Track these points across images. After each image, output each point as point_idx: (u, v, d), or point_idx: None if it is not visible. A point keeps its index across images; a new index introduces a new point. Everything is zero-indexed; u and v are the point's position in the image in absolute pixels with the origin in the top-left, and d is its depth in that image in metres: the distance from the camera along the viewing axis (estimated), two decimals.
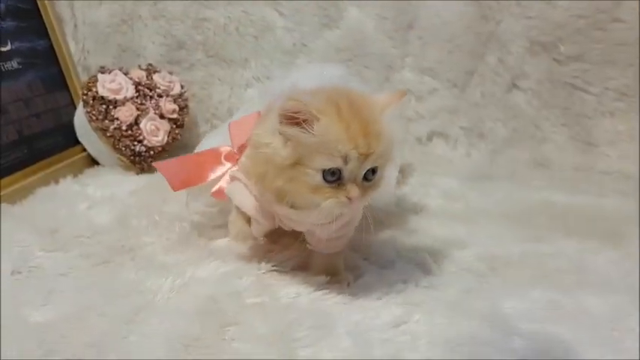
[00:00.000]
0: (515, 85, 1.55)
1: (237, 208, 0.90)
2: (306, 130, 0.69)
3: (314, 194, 0.72)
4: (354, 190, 0.71)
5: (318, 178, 0.71)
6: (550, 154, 1.53)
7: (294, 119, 0.69)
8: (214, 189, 0.95)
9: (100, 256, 0.93)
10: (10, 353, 0.66)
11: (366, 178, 0.73)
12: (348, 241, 0.89)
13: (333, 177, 0.71)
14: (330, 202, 0.71)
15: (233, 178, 0.89)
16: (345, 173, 0.71)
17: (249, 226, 0.90)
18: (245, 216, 0.89)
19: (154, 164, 1.00)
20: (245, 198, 0.85)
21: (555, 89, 1.52)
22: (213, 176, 0.96)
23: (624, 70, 1.49)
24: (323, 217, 0.75)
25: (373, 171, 0.73)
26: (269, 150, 0.73)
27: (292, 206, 0.76)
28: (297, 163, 0.71)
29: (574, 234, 1.10)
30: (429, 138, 1.58)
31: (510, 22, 1.51)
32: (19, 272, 0.87)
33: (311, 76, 1.06)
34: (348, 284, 0.87)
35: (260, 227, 0.87)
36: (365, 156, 0.70)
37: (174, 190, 0.96)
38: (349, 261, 0.94)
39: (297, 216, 0.79)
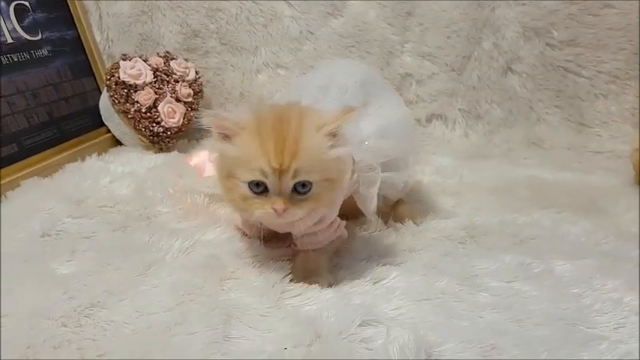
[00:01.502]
0: (510, 69, 1.61)
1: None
2: (231, 144, 0.75)
3: (245, 203, 0.77)
4: (277, 203, 0.74)
5: (246, 189, 0.75)
6: (544, 135, 1.59)
7: (224, 133, 0.76)
8: None
9: (119, 222, 1.05)
10: (39, 297, 0.77)
11: (298, 191, 0.76)
12: (331, 241, 0.92)
13: (259, 188, 0.75)
14: (259, 211, 0.76)
15: None
16: (269, 186, 0.74)
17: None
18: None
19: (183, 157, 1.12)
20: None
21: (549, 72, 1.58)
22: None
23: (616, 54, 1.54)
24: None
25: (304, 185, 0.75)
26: (214, 164, 0.82)
27: None
28: (229, 174, 0.77)
29: (553, 206, 1.17)
30: (429, 120, 1.65)
31: (504, 9, 1.57)
32: (48, 235, 0.98)
33: (340, 71, 1.09)
34: (330, 285, 0.87)
35: (250, 231, 0.95)
36: (280, 171, 0.73)
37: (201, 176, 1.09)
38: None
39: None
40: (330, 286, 0.86)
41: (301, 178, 0.74)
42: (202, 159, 1.11)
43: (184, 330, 0.72)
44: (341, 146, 0.77)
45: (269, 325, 0.75)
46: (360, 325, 0.73)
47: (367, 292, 0.84)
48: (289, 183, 0.74)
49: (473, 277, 0.90)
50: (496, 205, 1.19)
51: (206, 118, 0.75)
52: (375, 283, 0.87)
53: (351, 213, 1.00)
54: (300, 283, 0.84)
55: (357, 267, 0.91)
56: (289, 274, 0.86)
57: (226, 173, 0.77)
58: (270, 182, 0.74)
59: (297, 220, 0.78)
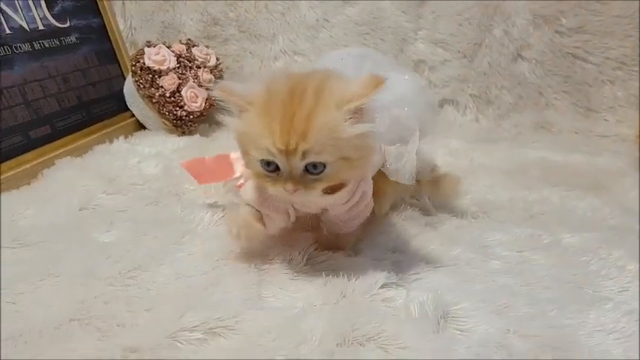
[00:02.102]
0: (519, 56, 1.65)
1: (249, 207, 0.86)
2: (241, 119, 0.70)
3: (260, 180, 0.73)
4: (288, 184, 0.69)
5: (259, 166, 0.70)
6: (552, 119, 1.64)
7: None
8: (239, 183, 0.98)
9: (151, 198, 1.11)
10: (85, 262, 0.84)
11: (310, 171, 0.69)
12: (360, 223, 0.90)
13: (270, 167, 0.70)
14: (273, 190, 0.71)
15: (247, 178, 0.90)
16: (280, 165, 0.69)
17: (260, 224, 0.85)
18: (257, 215, 0.85)
19: (181, 163, 1.07)
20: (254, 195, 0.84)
21: (557, 59, 1.62)
22: (238, 174, 1.00)
23: (623, 41, 1.58)
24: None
25: (315, 166, 0.69)
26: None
27: None
28: (245, 150, 0.72)
29: (562, 184, 1.22)
30: (441, 105, 1.69)
31: None
32: (86, 208, 1.05)
33: (334, 61, 1.04)
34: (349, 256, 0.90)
35: (273, 223, 0.86)
36: (287, 152, 0.67)
37: (200, 184, 1.08)
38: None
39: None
40: (349, 256, 0.90)
41: (311, 159, 0.67)
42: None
43: (221, 290, 0.78)
44: (366, 121, 0.69)
45: (298, 286, 0.81)
46: (381, 287, 0.79)
47: (387, 259, 0.89)
48: (299, 164, 0.68)
49: (485, 247, 0.96)
50: (507, 184, 1.23)
51: (216, 92, 0.70)
52: (393, 252, 0.93)
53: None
54: (325, 252, 0.90)
55: (377, 239, 0.97)
56: (315, 242, 0.91)
57: (243, 149, 0.73)
58: (279, 162, 0.68)
59: (329, 200, 0.76)
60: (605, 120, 1.62)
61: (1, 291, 0.76)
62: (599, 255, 0.93)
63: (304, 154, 0.66)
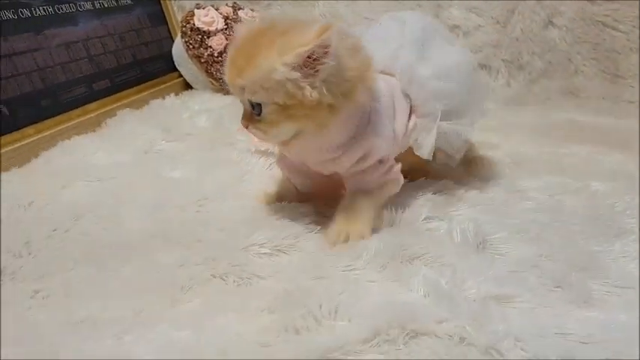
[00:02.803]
0: (551, 23, 1.71)
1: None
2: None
3: None
4: (243, 120, 0.76)
5: None
6: (580, 85, 1.70)
7: None
8: None
9: (206, 145, 1.21)
10: (157, 194, 0.94)
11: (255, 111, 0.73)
12: (380, 186, 0.86)
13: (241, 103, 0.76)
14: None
15: None
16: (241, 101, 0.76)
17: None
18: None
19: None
20: (280, 159, 0.92)
21: (587, 26, 1.68)
22: None
23: None
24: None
25: (254, 106, 0.72)
26: None
27: None
28: None
29: (589, 142, 1.29)
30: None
31: None
32: (150, 152, 1.15)
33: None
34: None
35: (298, 182, 0.93)
36: (233, 85, 0.73)
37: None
38: None
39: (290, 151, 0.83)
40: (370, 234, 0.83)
41: (252, 96, 0.71)
42: None
43: (282, 217, 0.87)
44: (324, 69, 0.68)
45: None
46: (424, 219, 0.87)
47: (429, 199, 0.97)
48: (245, 98, 0.73)
49: (519, 191, 1.04)
50: (537, 140, 1.31)
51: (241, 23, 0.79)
52: (434, 193, 1.00)
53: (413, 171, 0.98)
54: None
55: (417, 182, 1.05)
56: None
57: None
58: (237, 97, 0.75)
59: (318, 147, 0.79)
60: (632, 87, 1.67)
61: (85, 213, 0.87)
62: (625, 200, 1.00)
63: (243, 91, 0.71)
